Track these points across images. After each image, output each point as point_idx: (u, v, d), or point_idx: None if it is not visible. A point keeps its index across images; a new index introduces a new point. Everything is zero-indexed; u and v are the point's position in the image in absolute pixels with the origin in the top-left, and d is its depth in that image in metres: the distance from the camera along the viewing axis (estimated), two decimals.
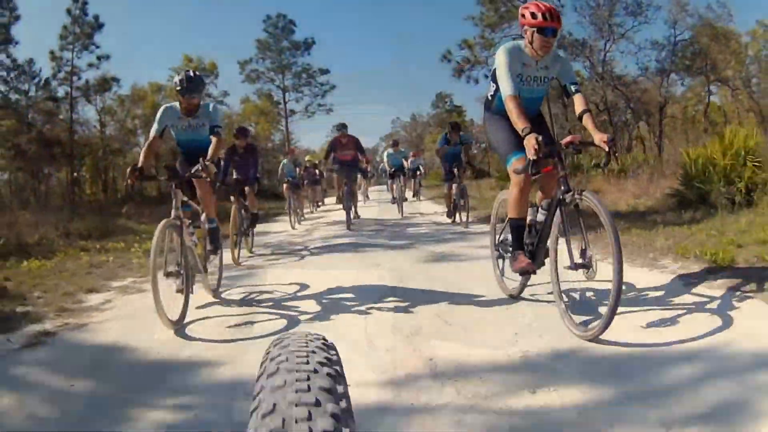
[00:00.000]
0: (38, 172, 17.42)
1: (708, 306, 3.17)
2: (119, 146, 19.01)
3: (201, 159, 3.83)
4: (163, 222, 3.54)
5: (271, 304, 4.03)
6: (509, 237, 3.50)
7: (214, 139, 4.07)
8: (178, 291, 3.56)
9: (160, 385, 2.59)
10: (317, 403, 0.65)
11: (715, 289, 3.48)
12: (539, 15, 3.09)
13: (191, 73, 4.13)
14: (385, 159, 12.27)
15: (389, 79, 31.36)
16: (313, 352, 0.77)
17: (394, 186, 11.44)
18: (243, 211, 6.52)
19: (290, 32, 22.39)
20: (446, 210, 9.10)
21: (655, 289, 3.64)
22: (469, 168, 8.70)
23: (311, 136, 31.40)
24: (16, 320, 3.81)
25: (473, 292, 3.86)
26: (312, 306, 3.84)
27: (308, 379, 0.69)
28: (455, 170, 8.32)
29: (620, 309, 2.70)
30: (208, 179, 3.96)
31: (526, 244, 3.38)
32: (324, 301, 3.99)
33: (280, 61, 22.47)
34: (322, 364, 0.74)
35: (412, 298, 3.84)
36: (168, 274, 3.52)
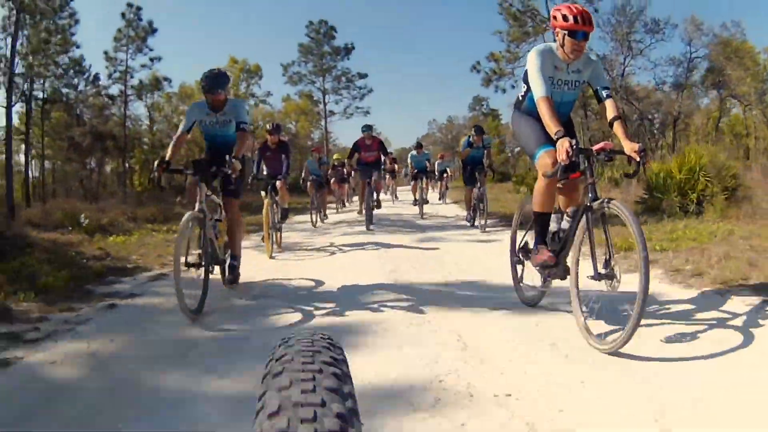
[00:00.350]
0: (87, 163, 17.74)
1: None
2: (168, 141, 19.27)
3: (227, 156, 3.67)
4: (187, 214, 3.46)
5: (287, 297, 3.89)
6: (530, 243, 3.22)
7: (239, 136, 3.89)
8: (198, 275, 3.49)
9: (258, 290, 4.06)
10: (323, 404, 0.61)
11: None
12: (570, 18, 2.79)
13: (213, 70, 3.95)
14: (409, 160, 11.95)
15: (427, 82, 31.03)
16: (319, 351, 0.72)
17: (417, 187, 11.13)
18: (274, 206, 6.36)
19: (331, 38, 22.27)
20: (466, 213, 8.78)
21: None
22: (490, 172, 8.31)
23: (349, 137, 31.22)
24: (131, 270, 4.78)
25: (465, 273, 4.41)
26: (327, 301, 3.71)
27: (313, 378, 0.65)
28: (477, 174, 7.97)
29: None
30: (234, 175, 3.76)
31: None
32: (337, 294, 3.89)
33: (321, 64, 22.35)
34: (327, 363, 0.69)
35: (413, 291, 3.71)
36: (189, 265, 3.39)
